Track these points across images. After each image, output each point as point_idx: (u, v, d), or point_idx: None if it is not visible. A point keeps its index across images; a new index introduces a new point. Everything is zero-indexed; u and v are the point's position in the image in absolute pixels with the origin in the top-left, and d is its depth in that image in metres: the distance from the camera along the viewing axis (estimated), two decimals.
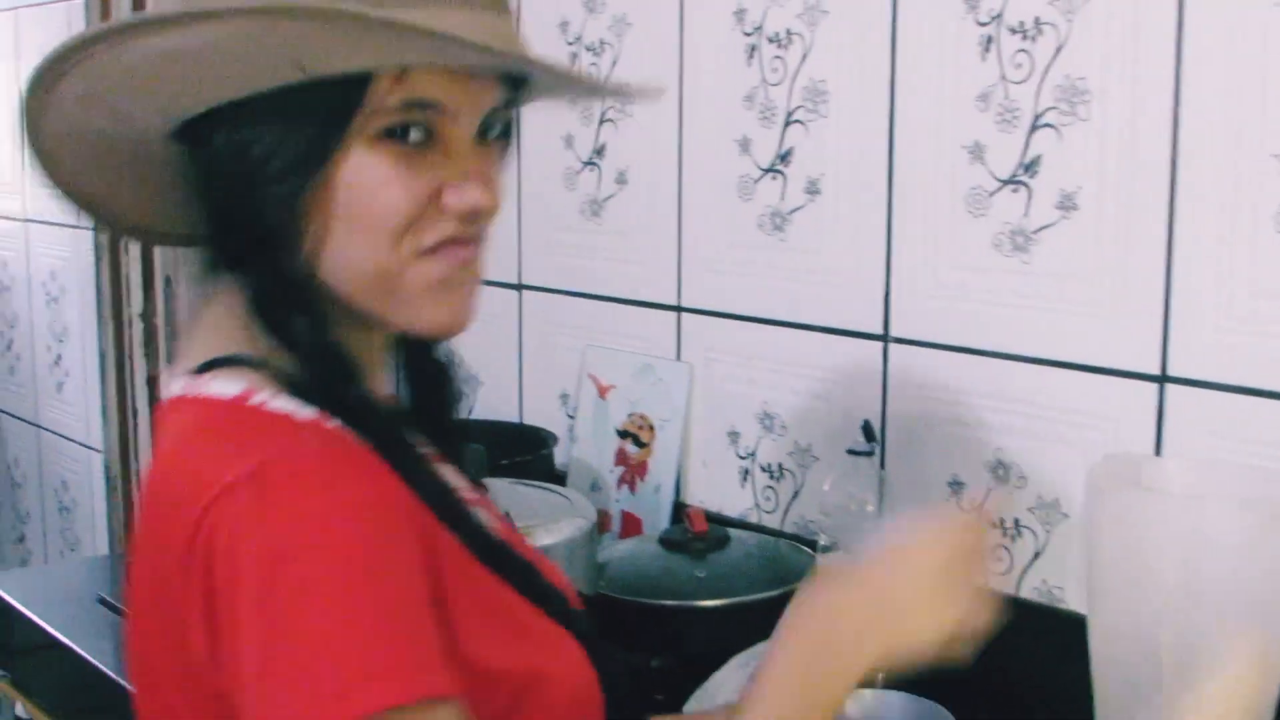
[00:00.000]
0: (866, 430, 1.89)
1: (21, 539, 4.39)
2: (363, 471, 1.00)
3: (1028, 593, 1.80)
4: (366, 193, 1.03)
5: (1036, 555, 1.79)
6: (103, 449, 4.02)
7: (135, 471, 4.01)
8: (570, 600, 1.18)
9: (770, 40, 2.04)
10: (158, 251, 3.88)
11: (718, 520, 2.10)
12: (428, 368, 1.22)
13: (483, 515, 1.15)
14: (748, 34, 2.07)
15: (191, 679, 1.00)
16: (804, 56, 2.00)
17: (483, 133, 1.08)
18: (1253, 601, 1.16)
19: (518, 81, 1.09)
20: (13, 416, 4.37)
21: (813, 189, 2.01)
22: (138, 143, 1.09)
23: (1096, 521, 1.20)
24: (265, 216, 1.03)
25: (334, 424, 1.03)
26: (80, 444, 4.11)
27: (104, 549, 3.99)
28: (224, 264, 1.10)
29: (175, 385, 1.09)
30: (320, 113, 1.01)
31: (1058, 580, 1.77)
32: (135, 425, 4.00)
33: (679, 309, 2.24)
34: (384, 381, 1.16)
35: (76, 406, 4.12)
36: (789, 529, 2.10)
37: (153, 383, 3.97)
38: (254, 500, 0.95)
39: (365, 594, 0.94)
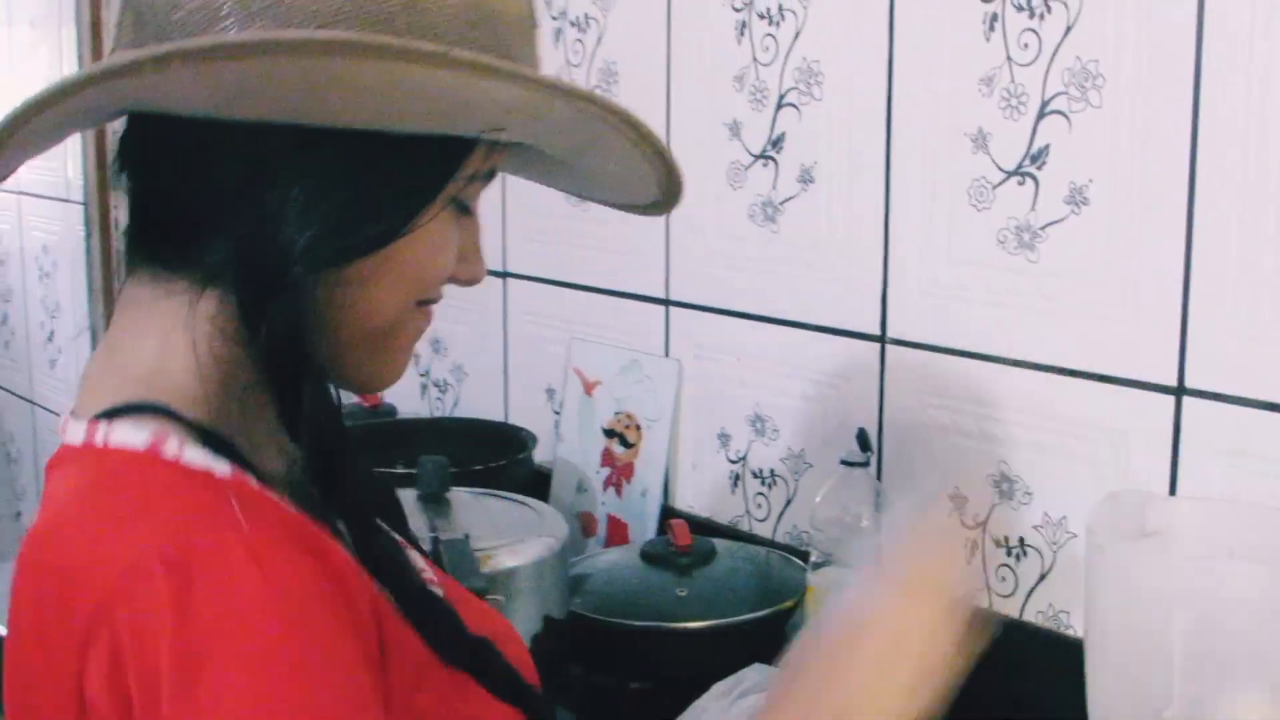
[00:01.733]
0: (861, 439, 1.77)
1: (18, 515, 4.33)
2: (292, 549, 0.89)
3: (1032, 616, 1.68)
4: (430, 252, 1.01)
5: (1042, 577, 1.67)
6: None
7: None
8: (521, 675, 1.08)
9: (761, 17, 1.91)
10: None
11: (707, 527, 1.99)
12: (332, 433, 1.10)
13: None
14: (737, 9, 1.94)
15: None
16: (797, 34, 1.87)
17: None
18: (1271, 668, 1.04)
19: None
20: (8, 392, 4.31)
21: (806, 177, 1.88)
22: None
23: (1096, 572, 1.07)
24: (339, 258, 0.96)
25: (253, 482, 0.93)
26: None
27: None
28: (205, 263, 0.98)
29: (74, 432, 0.97)
30: (437, 164, 0.99)
31: (1064, 604, 1.65)
32: None
33: (667, 302, 2.12)
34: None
35: (69, 383, 4.05)
36: (781, 538, 1.98)
37: None
38: (172, 590, 0.84)
39: (294, 700, 0.84)
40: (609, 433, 2.19)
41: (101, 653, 0.85)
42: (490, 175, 1.05)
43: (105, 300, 3.89)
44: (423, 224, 0.98)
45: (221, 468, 0.93)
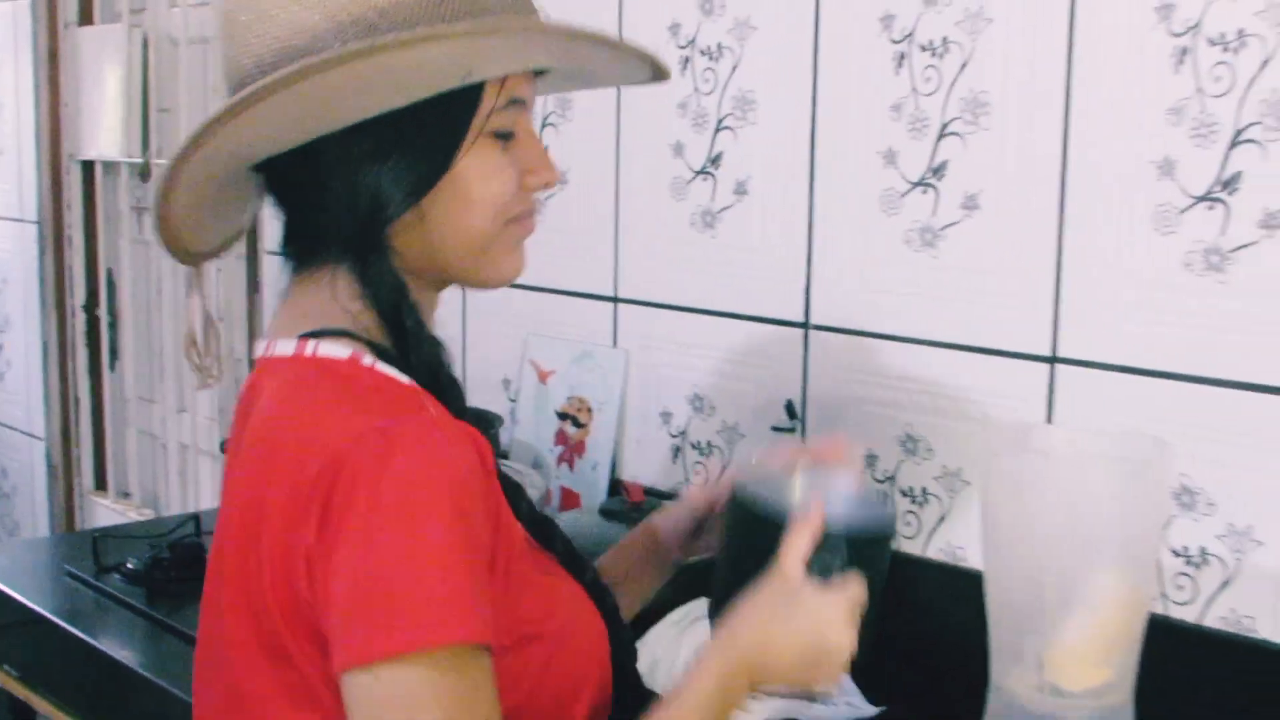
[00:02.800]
0: (789, 409, 2.09)
1: None
2: (462, 443, 1.18)
3: (934, 553, 2.00)
4: (482, 179, 1.26)
5: (942, 519, 1.99)
6: (45, 437, 4.14)
7: (76, 459, 4.13)
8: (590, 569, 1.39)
9: (702, 54, 2.23)
10: (101, 245, 4.01)
11: (652, 494, 2.29)
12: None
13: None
14: (682, 47, 2.26)
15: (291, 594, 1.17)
16: (734, 69, 2.19)
17: None
18: (1123, 546, 1.36)
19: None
20: None
21: (741, 190, 2.20)
22: (224, 176, 1.29)
23: (990, 480, 1.39)
24: (400, 207, 1.24)
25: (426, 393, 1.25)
26: (23, 432, 4.22)
27: (44, 534, 4.10)
28: (326, 255, 1.28)
29: (281, 347, 1.27)
30: (453, 115, 1.24)
31: (960, 541, 1.97)
32: (76, 414, 4.12)
33: (615, 300, 2.42)
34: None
35: (19, 395, 4.23)
36: None
37: (95, 373, 4.09)
38: (381, 451, 1.13)
39: (448, 553, 1.13)
40: (562, 415, 2.49)
41: (320, 493, 1.13)
42: (516, 103, 1.28)
43: (58, 316, 4.09)
44: (463, 158, 1.25)
45: (403, 379, 1.24)
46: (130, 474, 4.03)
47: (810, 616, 1.27)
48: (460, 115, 1.25)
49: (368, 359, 1.24)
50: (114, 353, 4.03)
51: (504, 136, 1.28)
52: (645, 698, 1.33)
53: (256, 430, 1.25)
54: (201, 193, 1.29)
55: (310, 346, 1.25)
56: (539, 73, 1.33)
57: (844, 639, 1.27)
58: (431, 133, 1.24)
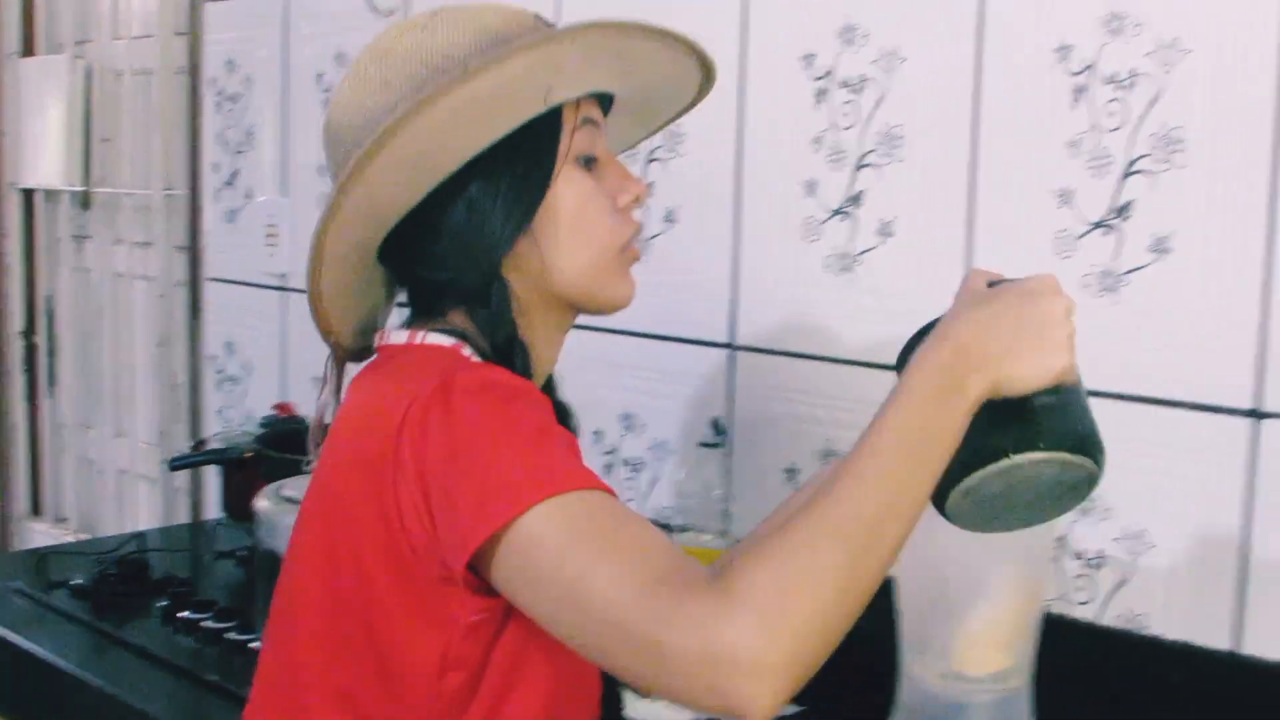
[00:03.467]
0: (716, 426, 2.20)
1: None
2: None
3: None
4: (577, 206, 1.37)
5: None
6: None
7: (7, 482, 4.18)
8: None
9: None
10: (41, 273, 4.07)
11: None
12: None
13: None
14: None
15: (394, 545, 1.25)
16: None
17: None
18: (1018, 541, 1.47)
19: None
20: None
21: (670, 218, 2.32)
22: (361, 263, 1.40)
23: None
24: (507, 239, 1.35)
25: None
26: None
27: None
28: (463, 303, 1.39)
29: (398, 336, 1.39)
30: (539, 146, 1.35)
31: None
32: (13, 440, 4.17)
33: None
34: (548, 354, 1.49)
35: None
36: (649, 514, 2.39)
37: (32, 399, 4.15)
38: (441, 405, 1.22)
39: (539, 430, 1.22)
40: None
41: (406, 452, 1.22)
42: (590, 123, 1.38)
43: None
44: (557, 184, 1.35)
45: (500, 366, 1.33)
46: (66, 499, 4.08)
47: (1014, 290, 1.24)
48: (546, 142, 1.35)
49: (469, 350, 1.35)
50: (52, 379, 4.09)
51: (589, 161, 1.38)
52: None
53: (360, 396, 1.35)
54: (344, 277, 1.40)
55: (420, 336, 1.37)
56: (604, 106, 1.43)
57: (1059, 300, 1.23)
58: (525, 164, 1.34)
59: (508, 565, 1.18)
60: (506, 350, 1.35)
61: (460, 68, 1.30)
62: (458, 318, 1.39)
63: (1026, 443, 1.23)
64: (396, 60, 1.35)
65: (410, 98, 1.29)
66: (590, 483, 1.19)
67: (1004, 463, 1.22)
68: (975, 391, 1.19)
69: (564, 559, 1.15)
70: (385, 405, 1.27)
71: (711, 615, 1.08)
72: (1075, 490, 1.29)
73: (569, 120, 1.37)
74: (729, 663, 1.07)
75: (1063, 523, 1.86)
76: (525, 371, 1.35)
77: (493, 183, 1.34)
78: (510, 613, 1.28)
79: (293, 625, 1.38)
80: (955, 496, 1.24)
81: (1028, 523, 1.32)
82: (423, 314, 1.42)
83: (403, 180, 1.32)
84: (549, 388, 1.50)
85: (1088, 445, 1.25)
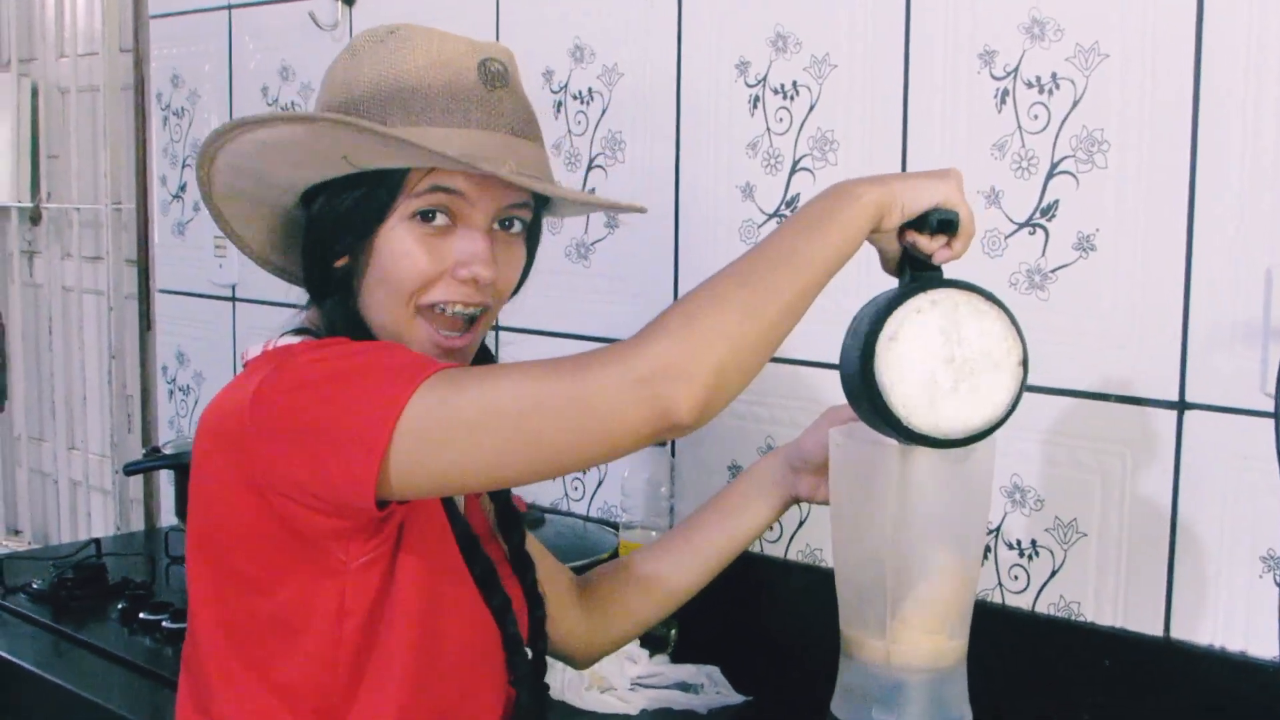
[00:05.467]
0: None
1: None
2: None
3: (795, 555, 2.17)
4: (393, 258, 1.39)
5: (801, 523, 2.16)
6: None
7: None
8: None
9: (574, 98, 2.40)
10: None
11: (535, 508, 2.44)
12: None
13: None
14: (555, 92, 2.43)
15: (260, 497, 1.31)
16: (603, 112, 2.37)
17: (506, 224, 1.44)
18: (951, 526, 1.53)
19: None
20: None
21: (612, 223, 2.37)
22: (278, 205, 1.48)
23: (836, 470, 1.55)
24: (330, 264, 1.42)
25: None
26: None
27: None
28: (312, 297, 1.47)
29: (252, 351, 1.43)
30: (375, 192, 1.39)
31: (819, 543, 2.15)
32: None
33: (496, 329, 2.56)
34: None
35: None
36: (595, 514, 2.45)
37: None
38: (265, 375, 1.30)
39: (357, 366, 1.29)
40: None
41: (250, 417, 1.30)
42: (444, 190, 1.37)
43: None
44: (384, 232, 1.38)
45: None
46: (20, 511, 4.10)
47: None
48: (385, 190, 1.38)
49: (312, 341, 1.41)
50: (3, 393, 4.10)
51: (427, 216, 1.38)
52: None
53: (220, 392, 1.40)
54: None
55: (273, 343, 1.42)
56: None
57: (959, 177, 1.37)
58: (363, 200, 1.39)
59: (410, 467, 1.24)
60: (346, 331, 1.42)
61: (367, 116, 1.38)
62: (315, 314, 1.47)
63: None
64: (350, 62, 1.46)
65: (329, 106, 1.43)
66: (435, 365, 1.26)
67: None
68: (865, 193, 1.31)
69: (458, 408, 1.23)
70: (237, 390, 1.35)
71: (627, 349, 1.19)
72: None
73: (413, 182, 1.38)
74: (651, 375, 1.16)
75: (995, 513, 1.93)
76: None
77: (333, 205, 1.41)
78: (396, 552, 1.36)
79: (192, 612, 1.45)
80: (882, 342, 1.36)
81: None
82: (311, 295, 1.49)
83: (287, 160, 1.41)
84: None
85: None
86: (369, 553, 1.34)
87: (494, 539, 1.59)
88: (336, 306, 1.43)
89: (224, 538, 1.37)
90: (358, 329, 1.42)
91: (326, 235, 1.42)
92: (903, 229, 1.37)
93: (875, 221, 1.32)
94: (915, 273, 1.40)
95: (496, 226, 1.43)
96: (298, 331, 1.45)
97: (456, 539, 1.45)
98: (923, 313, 1.37)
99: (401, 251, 1.38)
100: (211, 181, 1.44)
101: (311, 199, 1.44)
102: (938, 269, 1.40)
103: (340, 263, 1.42)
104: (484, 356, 1.57)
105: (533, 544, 1.65)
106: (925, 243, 1.38)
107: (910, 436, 1.39)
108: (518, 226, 1.46)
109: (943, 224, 1.36)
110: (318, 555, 1.33)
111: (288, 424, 1.28)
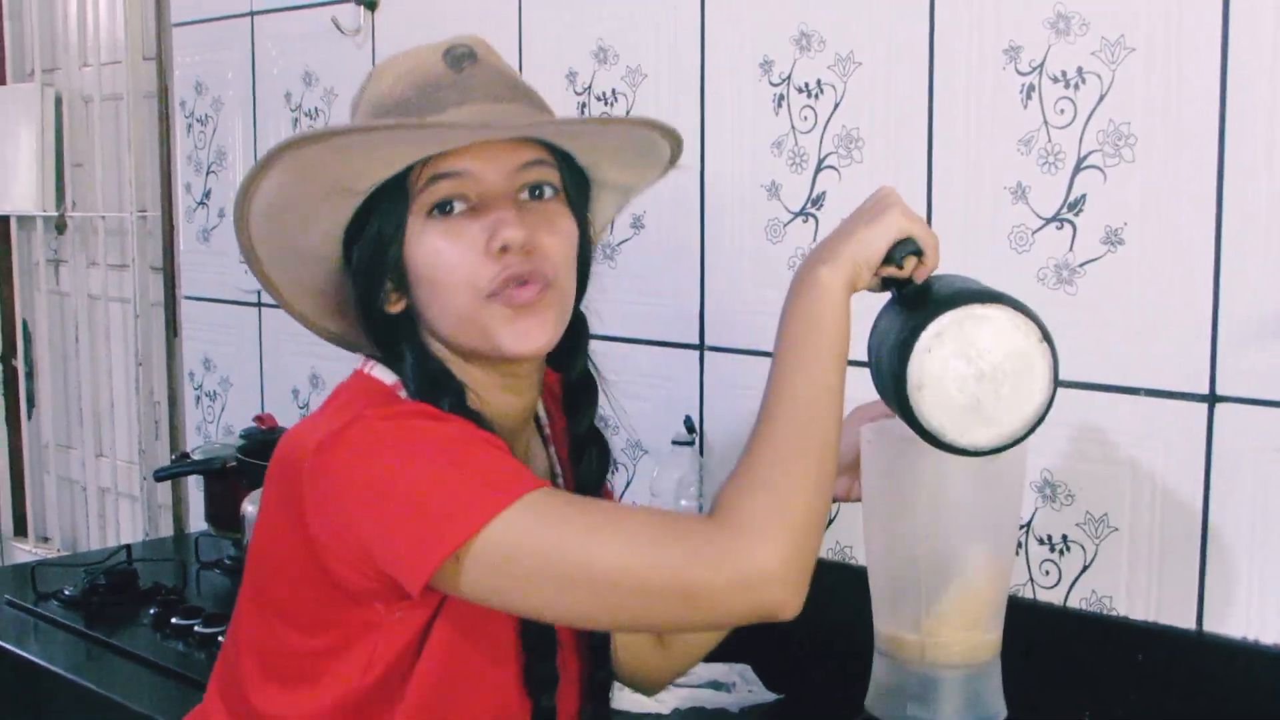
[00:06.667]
0: (688, 424, 2.25)
1: None
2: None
3: (824, 553, 2.17)
4: (427, 262, 1.36)
5: (830, 521, 2.16)
6: None
7: None
8: None
9: (598, 99, 2.41)
10: (18, 297, 4.10)
11: None
12: (571, 385, 1.58)
13: None
14: (579, 94, 2.44)
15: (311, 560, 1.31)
16: (626, 113, 2.36)
17: (536, 193, 1.39)
18: (983, 520, 1.53)
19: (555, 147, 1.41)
20: None
21: (637, 224, 2.38)
22: (318, 256, 1.43)
23: (869, 467, 1.55)
24: (383, 308, 1.40)
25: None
26: None
27: None
28: (382, 351, 1.43)
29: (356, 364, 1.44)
30: (387, 210, 1.36)
31: (848, 541, 2.15)
32: None
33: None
34: (499, 397, 1.44)
35: None
36: None
37: (13, 422, 4.18)
38: (328, 450, 1.28)
39: (453, 456, 1.27)
40: None
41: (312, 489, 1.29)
42: (447, 176, 1.34)
43: None
44: (410, 240, 1.36)
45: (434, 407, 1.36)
46: (49, 519, 4.12)
47: (851, 217, 1.37)
48: (396, 200, 1.36)
49: (402, 391, 1.39)
50: (31, 401, 4.12)
51: (443, 209, 1.35)
52: None
53: (292, 432, 1.39)
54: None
55: (368, 366, 1.42)
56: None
57: (884, 190, 1.37)
58: (380, 221, 1.37)
59: (479, 579, 1.25)
60: (430, 390, 1.38)
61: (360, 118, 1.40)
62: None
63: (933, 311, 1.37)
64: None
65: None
66: (533, 483, 1.26)
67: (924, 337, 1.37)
68: (829, 278, 1.32)
69: (552, 552, 1.24)
70: (304, 432, 1.34)
71: (729, 548, 1.23)
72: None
73: (415, 183, 1.36)
74: (758, 581, 1.23)
75: (1029, 500, 1.93)
76: (459, 410, 1.37)
77: (362, 246, 1.39)
78: (436, 615, 1.36)
79: (235, 619, 1.46)
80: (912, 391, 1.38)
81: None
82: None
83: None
84: (523, 431, 1.52)
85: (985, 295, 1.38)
86: (406, 610, 1.33)
87: None
88: (407, 349, 1.40)
89: (268, 569, 1.39)
90: (428, 364, 1.40)
91: (367, 276, 1.39)
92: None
93: (850, 293, 1.34)
94: (902, 292, 1.41)
95: (526, 196, 1.38)
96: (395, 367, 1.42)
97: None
98: (933, 351, 1.37)
99: (431, 251, 1.35)
100: (259, 259, 1.44)
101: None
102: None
103: (393, 307, 1.40)
104: (587, 382, 1.58)
105: None
106: (900, 273, 1.38)
107: (983, 453, 1.41)
108: (548, 192, 1.40)
109: (908, 254, 1.36)
110: (359, 608, 1.33)
111: (368, 480, 1.27)
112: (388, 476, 1.26)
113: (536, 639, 1.43)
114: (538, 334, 1.37)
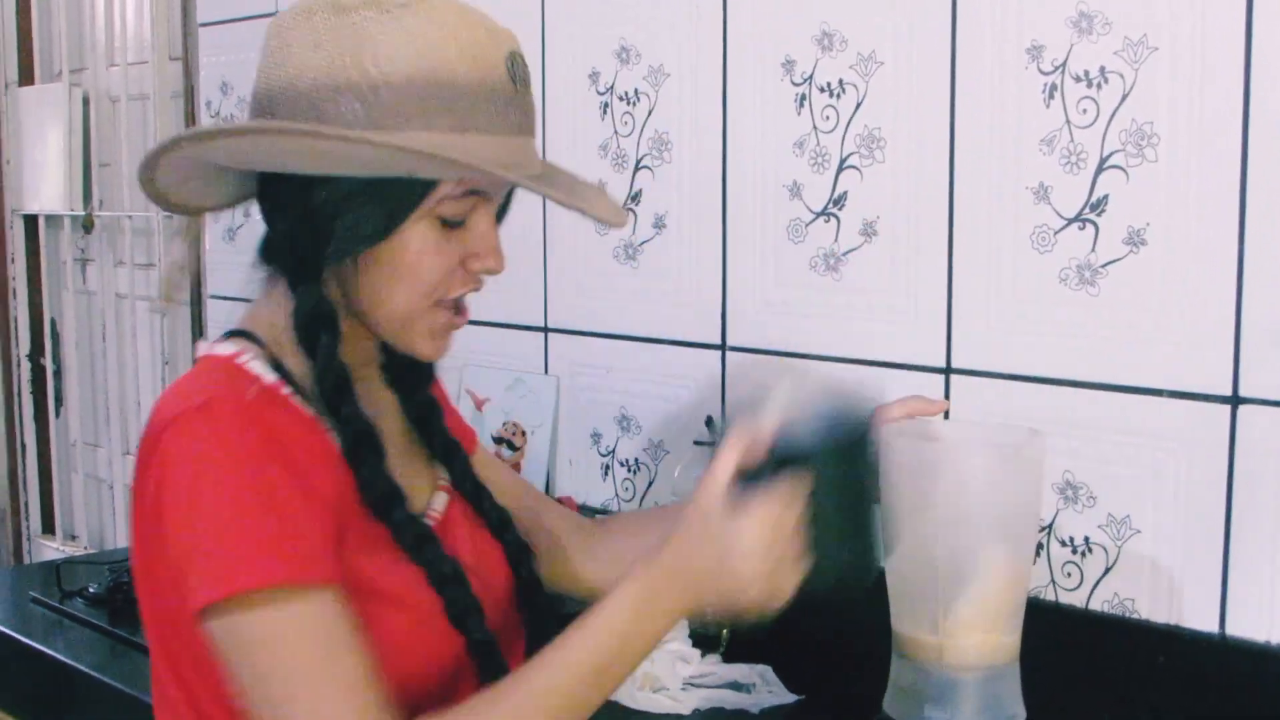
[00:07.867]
0: (710, 424, 2.25)
1: None
2: (283, 421, 1.32)
3: None
4: (415, 257, 1.33)
5: None
6: None
7: (25, 504, 4.23)
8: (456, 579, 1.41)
9: (620, 99, 2.40)
10: (45, 296, 4.13)
11: (585, 509, 2.44)
12: (411, 375, 1.52)
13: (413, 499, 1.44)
14: (601, 93, 2.43)
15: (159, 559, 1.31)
16: (649, 113, 2.37)
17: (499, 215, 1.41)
18: (1004, 523, 1.53)
19: None
20: None
21: (659, 224, 2.37)
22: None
23: (888, 465, 1.55)
24: (334, 257, 1.33)
25: (287, 391, 1.35)
26: None
27: None
28: (285, 278, 1.39)
29: (202, 349, 1.41)
30: (401, 194, 1.31)
31: None
32: (24, 460, 4.22)
33: (546, 330, 2.58)
34: (369, 378, 1.45)
35: None
36: None
37: (41, 420, 4.21)
38: (195, 425, 1.27)
39: (258, 505, 1.25)
40: (498, 440, 2.64)
41: (153, 467, 1.28)
42: (475, 194, 1.33)
43: (3, 366, 4.18)
44: (405, 232, 1.32)
45: (269, 375, 1.34)
46: (77, 517, 4.14)
47: (719, 547, 1.32)
48: (412, 194, 1.31)
49: (248, 357, 1.36)
50: (59, 400, 4.14)
51: (452, 224, 1.34)
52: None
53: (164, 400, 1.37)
54: (189, 173, 1.42)
55: (215, 345, 1.39)
56: None
57: (756, 568, 1.31)
58: (382, 201, 1.31)
59: (224, 634, 1.26)
60: (308, 342, 1.36)
61: (391, 117, 1.29)
62: (282, 295, 1.39)
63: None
64: (342, 27, 1.31)
65: (336, 96, 1.29)
66: (314, 577, 1.26)
67: None
68: (680, 608, 1.35)
69: (274, 670, 1.24)
70: (149, 427, 1.33)
71: None
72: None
73: (446, 185, 1.33)
74: None
75: (1049, 502, 1.92)
76: (329, 377, 1.36)
77: (357, 199, 1.32)
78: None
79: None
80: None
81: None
82: (266, 264, 1.43)
83: (261, 160, 1.36)
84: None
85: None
86: None
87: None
88: (309, 295, 1.36)
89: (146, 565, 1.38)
90: (324, 306, 1.36)
91: (329, 229, 1.33)
92: None
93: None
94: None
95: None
96: (241, 335, 1.39)
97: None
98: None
99: (425, 250, 1.34)
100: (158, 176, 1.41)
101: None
102: None
103: (351, 261, 1.35)
104: (427, 371, 1.53)
105: (504, 481, 1.64)
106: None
107: None
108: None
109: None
110: None
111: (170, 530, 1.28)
112: (195, 507, 1.26)
113: (440, 576, 1.39)
114: (445, 350, 1.42)
